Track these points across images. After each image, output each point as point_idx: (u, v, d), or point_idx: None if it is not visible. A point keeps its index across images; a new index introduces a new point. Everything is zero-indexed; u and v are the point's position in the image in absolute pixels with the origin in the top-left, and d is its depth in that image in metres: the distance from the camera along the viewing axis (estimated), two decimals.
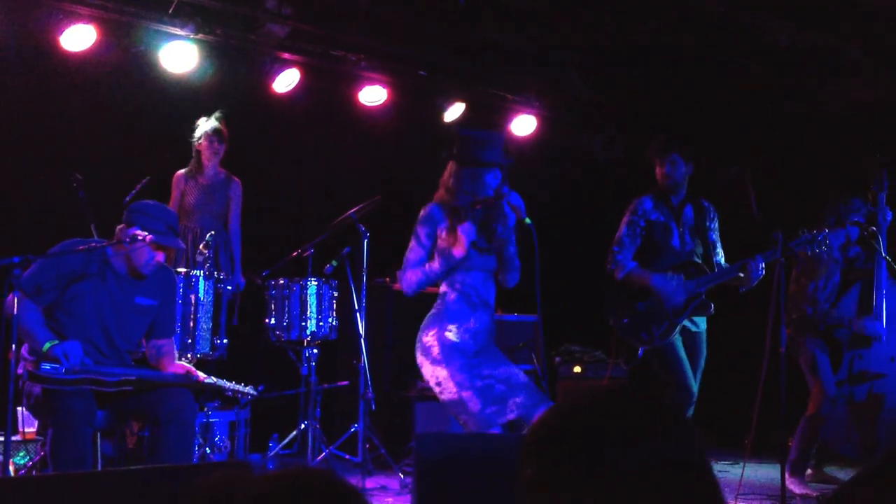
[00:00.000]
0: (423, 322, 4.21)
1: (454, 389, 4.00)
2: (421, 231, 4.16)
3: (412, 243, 4.18)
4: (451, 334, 4.08)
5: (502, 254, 4.24)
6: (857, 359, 5.67)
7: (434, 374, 4.06)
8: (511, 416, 3.97)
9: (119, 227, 4.18)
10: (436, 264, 4.10)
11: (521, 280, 7.92)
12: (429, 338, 4.11)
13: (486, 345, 4.19)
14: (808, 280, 5.63)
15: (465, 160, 4.20)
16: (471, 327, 4.12)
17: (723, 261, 5.15)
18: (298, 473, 1.16)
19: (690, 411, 4.93)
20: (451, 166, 4.27)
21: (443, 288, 4.21)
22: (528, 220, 4.12)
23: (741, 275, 4.84)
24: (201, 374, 4.23)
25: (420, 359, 4.13)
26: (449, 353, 4.04)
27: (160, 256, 4.18)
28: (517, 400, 3.99)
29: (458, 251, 4.04)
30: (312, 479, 1.15)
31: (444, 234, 4.13)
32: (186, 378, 4.19)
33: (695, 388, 4.94)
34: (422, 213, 4.21)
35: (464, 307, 4.14)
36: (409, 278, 4.14)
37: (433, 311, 4.20)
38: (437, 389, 4.07)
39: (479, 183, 4.16)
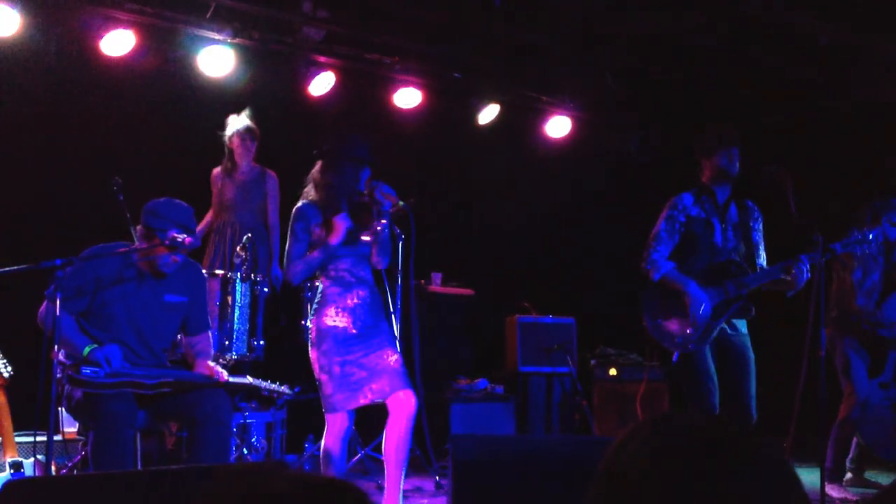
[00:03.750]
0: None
1: (317, 370, 4.32)
2: (296, 227, 4.42)
3: (290, 239, 4.43)
4: (328, 318, 4.32)
5: (378, 239, 4.46)
6: None
7: (311, 355, 4.36)
8: (363, 402, 4.27)
9: (137, 227, 4.22)
10: (316, 253, 4.36)
11: (552, 279, 7.86)
12: (309, 324, 4.41)
13: (371, 322, 4.39)
14: (847, 274, 5.57)
15: (331, 156, 4.48)
16: (348, 305, 4.36)
17: (765, 264, 4.90)
18: (323, 482, 1.14)
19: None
20: (318, 164, 4.53)
21: (317, 282, 4.49)
22: (401, 203, 4.42)
23: (787, 278, 4.59)
24: (224, 375, 4.24)
25: (309, 344, 4.43)
26: (321, 337, 4.31)
27: (178, 256, 4.19)
28: (374, 386, 4.26)
29: (335, 239, 4.33)
30: (339, 490, 1.13)
31: (317, 230, 4.39)
32: (211, 379, 4.22)
33: (717, 402, 4.66)
34: (294, 211, 4.46)
35: (338, 288, 4.38)
36: (293, 270, 4.39)
37: (314, 303, 4.46)
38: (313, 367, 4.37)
39: (346, 177, 4.43)
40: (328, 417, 4.32)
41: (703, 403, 4.66)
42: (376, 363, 4.29)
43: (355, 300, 4.36)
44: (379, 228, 4.43)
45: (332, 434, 4.30)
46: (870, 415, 5.58)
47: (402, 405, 4.26)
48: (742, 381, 4.74)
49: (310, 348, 4.37)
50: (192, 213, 4.31)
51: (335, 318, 4.31)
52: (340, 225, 4.32)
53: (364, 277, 4.45)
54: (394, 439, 4.27)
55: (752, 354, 4.79)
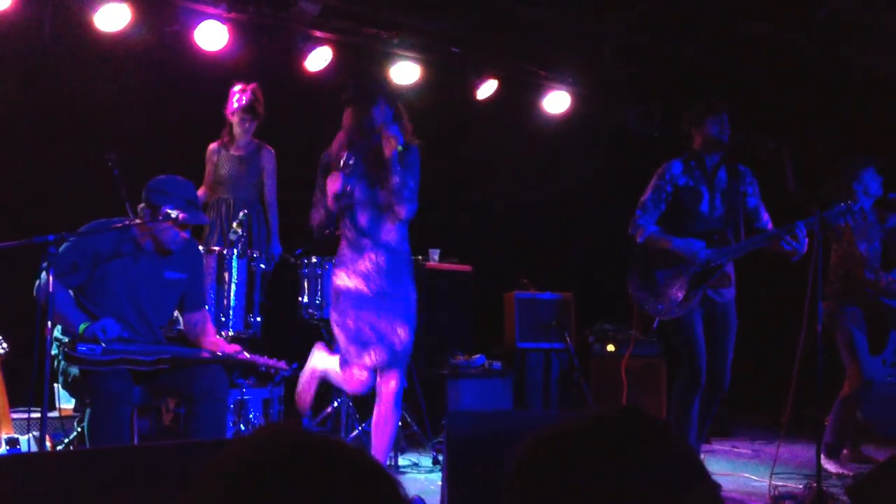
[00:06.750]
0: None
1: (336, 329, 4.42)
2: (320, 178, 4.47)
3: (316, 189, 4.49)
4: (340, 280, 4.40)
5: (389, 187, 4.34)
6: None
7: (331, 313, 4.48)
8: (367, 361, 4.34)
9: (140, 205, 4.19)
10: (330, 204, 4.40)
11: (550, 255, 7.80)
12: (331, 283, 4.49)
13: (390, 289, 4.38)
14: (854, 248, 5.54)
15: (346, 99, 4.50)
16: (360, 269, 4.38)
17: (769, 224, 4.92)
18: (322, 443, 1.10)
19: (699, 390, 4.75)
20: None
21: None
22: (400, 148, 4.28)
23: (786, 247, 4.60)
24: (244, 353, 4.26)
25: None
26: (336, 296, 4.42)
27: (186, 233, 4.18)
28: (376, 351, 4.33)
29: (331, 203, 4.34)
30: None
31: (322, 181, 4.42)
32: (215, 356, 4.21)
33: (704, 366, 4.73)
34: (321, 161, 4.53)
35: (349, 252, 4.41)
36: (313, 218, 4.46)
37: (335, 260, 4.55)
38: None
39: (363, 117, 4.38)
40: (344, 371, 4.41)
41: (692, 366, 4.74)
42: (385, 332, 4.35)
43: (368, 265, 4.37)
44: (393, 180, 4.29)
45: (351, 386, 4.43)
46: (872, 392, 5.57)
47: (385, 387, 4.39)
48: (719, 348, 4.84)
49: (330, 309, 4.48)
50: (194, 189, 4.33)
51: (347, 280, 4.38)
52: (330, 187, 4.32)
53: (381, 239, 4.39)
54: (377, 417, 4.45)
55: (734, 322, 4.89)
